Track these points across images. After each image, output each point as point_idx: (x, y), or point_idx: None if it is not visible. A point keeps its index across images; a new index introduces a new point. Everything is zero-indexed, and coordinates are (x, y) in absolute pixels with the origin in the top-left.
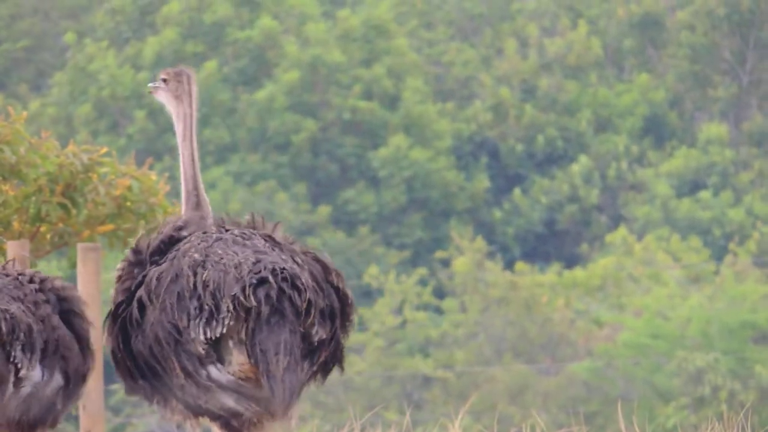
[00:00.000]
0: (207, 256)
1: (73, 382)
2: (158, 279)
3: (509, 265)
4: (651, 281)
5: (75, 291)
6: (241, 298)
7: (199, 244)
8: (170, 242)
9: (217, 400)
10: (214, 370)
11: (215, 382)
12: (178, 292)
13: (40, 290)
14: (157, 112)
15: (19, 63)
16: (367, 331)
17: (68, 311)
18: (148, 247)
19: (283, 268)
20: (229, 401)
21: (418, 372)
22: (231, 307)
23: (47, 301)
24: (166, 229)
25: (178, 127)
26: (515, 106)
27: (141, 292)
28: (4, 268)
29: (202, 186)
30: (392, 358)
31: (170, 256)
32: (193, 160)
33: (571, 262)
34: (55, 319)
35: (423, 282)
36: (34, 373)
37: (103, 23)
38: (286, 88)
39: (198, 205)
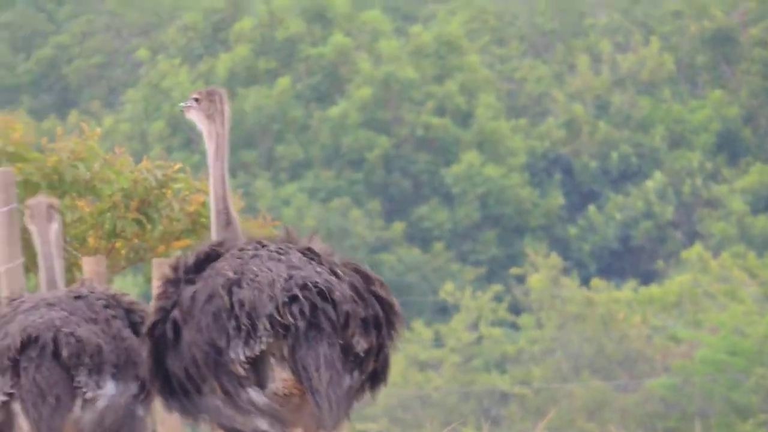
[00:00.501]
0: (243, 273)
1: (147, 387)
2: (192, 298)
3: (585, 282)
4: (727, 298)
5: (141, 304)
6: (277, 316)
7: (233, 261)
8: (206, 260)
9: (252, 422)
10: (252, 393)
11: (253, 405)
12: (214, 312)
13: (108, 306)
14: (230, 129)
15: (91, 80)
16: (444, 347)
17: (136, 323)
18: (184, 265)
19: (316, 282)
20: (264, 424)
21: (496, 388)
22: (268, 326)
23: (116, 317)
24: (202, 248)
25: (210, 147)
26: (588, 122)
27: (175, 313)
28: (83, 285)
29: (232, 205)
30: (469, 374)
31: (204, 274)
32: (223, 179)
33: (646, 278)
34: (126, 332)
35: (498, 298)
36: (105, 390)
37: (175, 40)
38: (359, 105)
39: (228, 224)
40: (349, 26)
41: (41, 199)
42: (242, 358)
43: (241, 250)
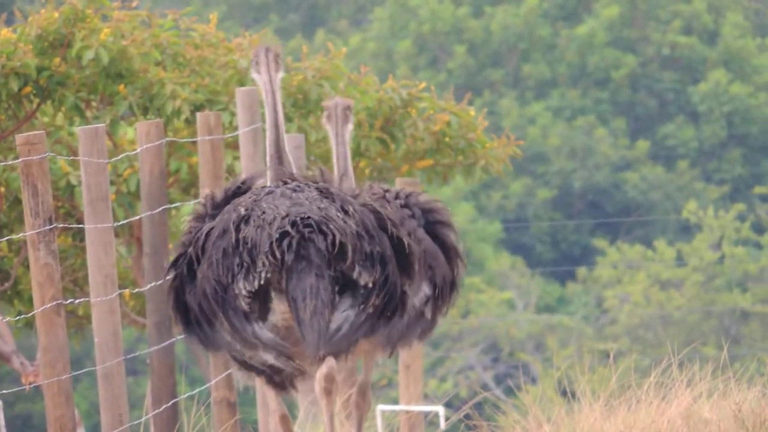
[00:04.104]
0: (252, 210)
1: (440, 290)
2: (207, 235)
3: None
4: None
5: (439, 203)
6: (269, 254)
7: (249, 197)
8: (233, 196)
9: (260, 356)
10: (257, 328)
11: (259, 339)
12: (224, 248)
13: (406, 205)
14: (477, 48)
15: None
16: (686, 267)
17: (434, 222)
18: (212, 201)
19: (309, 216)
20: (270, 358)
21: (737, 307)
22: (267, 262)
23: (413, 216)
24: (230, 184)
25: (264, 96)
26: None
27: (191, 249)
28: (371, 187)
29: (286, 149)
30: (710, 293)
31: (225, 209)
32: (276, 125)
33: None
34: (421, 232)
35: (742, 217)
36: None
37: None
38: (606, 24)
39: (280, 164)
40: None
41: (338, 101)
42: (244, 292)
43: (262, 187)
